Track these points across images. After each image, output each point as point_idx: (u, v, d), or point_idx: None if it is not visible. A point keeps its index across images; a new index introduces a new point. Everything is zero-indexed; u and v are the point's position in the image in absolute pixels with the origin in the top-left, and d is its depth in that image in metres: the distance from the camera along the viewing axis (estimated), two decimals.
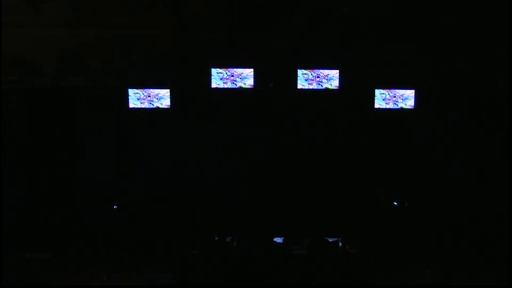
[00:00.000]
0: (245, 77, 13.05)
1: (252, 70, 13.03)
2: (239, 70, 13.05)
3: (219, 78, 13.08)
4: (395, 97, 13.12)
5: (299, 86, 13.06)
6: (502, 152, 13.48)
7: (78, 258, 12.98)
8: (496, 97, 13.53)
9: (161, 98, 13.21)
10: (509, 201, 13.08)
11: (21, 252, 13.12)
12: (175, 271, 11.19)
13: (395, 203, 13.62)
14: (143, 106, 13.23)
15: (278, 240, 11.65)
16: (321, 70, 13.01)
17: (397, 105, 13.13)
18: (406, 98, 13.13)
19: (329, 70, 13.00)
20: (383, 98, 13.13)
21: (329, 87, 13.03)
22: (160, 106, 13.25)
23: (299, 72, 13.03)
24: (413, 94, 13.10)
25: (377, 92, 13.13)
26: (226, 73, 13.05)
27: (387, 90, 13.11)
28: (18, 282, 11.63)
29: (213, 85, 13.06)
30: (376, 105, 13.15)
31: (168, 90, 13.24)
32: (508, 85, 12.98)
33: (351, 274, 11.04)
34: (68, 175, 13.84)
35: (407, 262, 12.51)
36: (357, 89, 13.36)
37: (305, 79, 13.05)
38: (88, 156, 13.86)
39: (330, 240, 11.58)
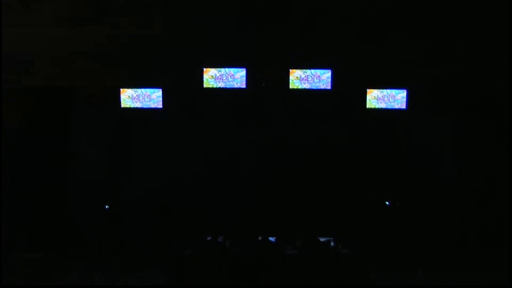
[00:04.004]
0: (237, 77, 13.09)
1: (244, 70, 13.06)
2: (232, 70, 13.10)
3: (211, 78, 13.11)
4: (387, 97, 13.19)
5: (291, 86, 13.09)
6: (499, 150, 13.50)
7: (73, 258, 13.03)
8: (495, 97, 13.54)
9: (154, 98, 13.26)
10: (509, 201, 13.05)
11: (20, 252, 13.16)
12: (170, 271, 11.28)
13: (387, 203, 13.69)
14: (135, 106, 13.28)
15: (271, 240, 11.76)
16: (313, 70, 13.06)
17: (389, 105, 13.20)
18: (398, 99, 13.19)
19: (322, 70, 13.05)
20: (376, 98, 13.19)
21: (322, 87, 13.09)
22: (153, 106, 13.30)
23: (292, 72, 13.06)
24: (405, 94, 13.17)
25: (369, 92, 13.19)
26: (219, 73, 13.10)
27: (379, 90, 13.17)
28: (18, 282, 11.69)
29: (206, 85, 13.10)
30: (368, 105, 13.22)
31: (161, 90, 13.30)
32: (508, 85, 13.00)
33: (343, 274, 11.14)
34: (62, 175, 13.87)
35: (399, 262, 12.55)
36: (349, 89, 13.38)
37: (297, 79, 13.09)
38: (82, 155, 13.90)
39: (322, 240, 11.69)
